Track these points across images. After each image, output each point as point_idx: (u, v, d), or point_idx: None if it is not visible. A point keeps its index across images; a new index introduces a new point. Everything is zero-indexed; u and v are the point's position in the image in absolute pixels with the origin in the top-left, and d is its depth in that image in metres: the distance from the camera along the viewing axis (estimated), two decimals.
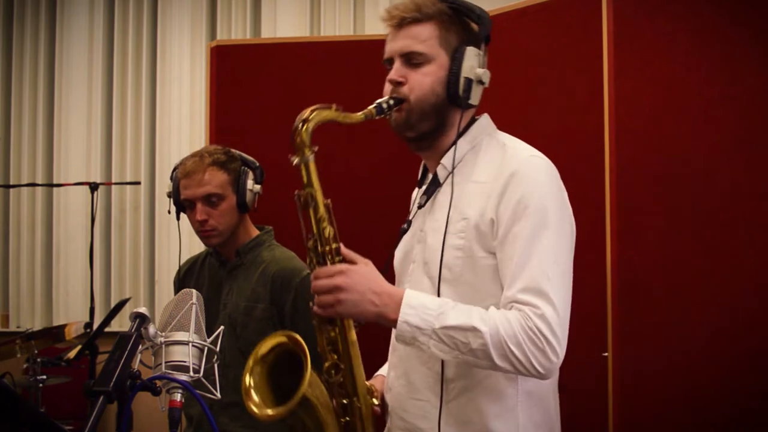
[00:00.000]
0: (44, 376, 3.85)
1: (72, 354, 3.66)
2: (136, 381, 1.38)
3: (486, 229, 1.60)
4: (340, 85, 3.15)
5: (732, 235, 2.56)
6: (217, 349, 1.57)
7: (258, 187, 2.51)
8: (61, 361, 3.87)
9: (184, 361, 1.51)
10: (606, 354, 2.56)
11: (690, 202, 2.58)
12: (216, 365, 1.60)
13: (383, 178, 3.15)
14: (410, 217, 1.76)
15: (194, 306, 1.57)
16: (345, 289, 1.54)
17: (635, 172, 2.59)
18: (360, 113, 1.61)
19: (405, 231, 1.75)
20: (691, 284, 2.57)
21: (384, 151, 2.80)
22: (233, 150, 2.53)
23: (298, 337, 1.61)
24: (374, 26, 4.75)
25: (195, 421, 2.49)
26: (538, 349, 1.50)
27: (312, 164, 1.57)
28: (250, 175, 2.50)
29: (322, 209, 1.58)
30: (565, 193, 1.65)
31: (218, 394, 1.55)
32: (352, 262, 1.59)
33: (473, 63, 1.66)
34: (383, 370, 1.87)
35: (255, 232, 2.56)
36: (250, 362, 1.64)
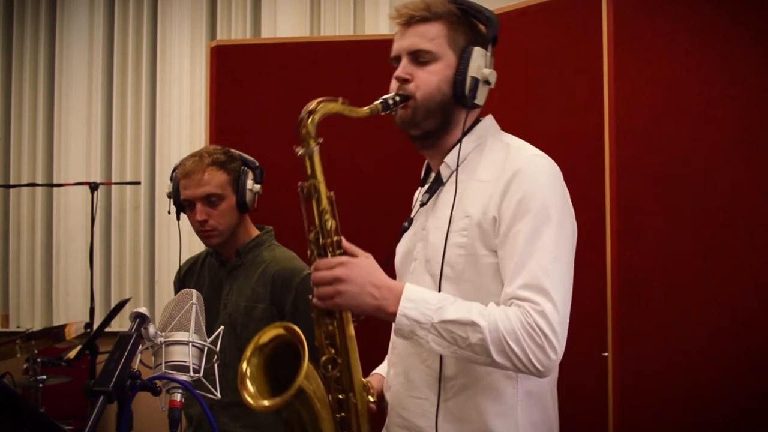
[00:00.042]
0: (44, 376, 3.85)
1: (72, 354, 3.66)
2: (136, 381, 1.38)
3: (488, 227, 1.60)
4: (341, 85, 3.10)
5: (732, 235, 2.56)
6: (217, 349, 1.57)
7: (258, 187, 2.51)
8: (61, 361, 3.87)
9: (184, 361, 1.51)
10: (606, 354, 2.56)
11: (690, 202, 2.58)
12: (216, 365, 1.60)
13: (388, 175, 3.14)
14: (412, 215, 1.76)
15: (194, 306, 1.57)
16: (345, 280, 1.53)
17: (635, 172, 2.59)
18: (366, 108, 1.61)
19: (406, 229, 1.75)
20: (691, 284, 2.57)
21: (389, 148, 2.79)
22: (233, 150, 2.53)
23: (296, 328, 1.61)
24: (374, 26, 4.76)
25: (195, 421, 2.49)
26: (537, 345, 1.50)
27: (317, 156, 1.56)
28: (250, 175, 2.50)
29: (324, 201, 1.58)
30: (568, 194, 1.65)
31: (218, 394, 1.55)
32: (353, 255, 1.59)
33: (480, 63, 1.66)
34: (380, 369, 1.87)
35: (255, 232, 2.56)
36: (249, 350, 1.63)
